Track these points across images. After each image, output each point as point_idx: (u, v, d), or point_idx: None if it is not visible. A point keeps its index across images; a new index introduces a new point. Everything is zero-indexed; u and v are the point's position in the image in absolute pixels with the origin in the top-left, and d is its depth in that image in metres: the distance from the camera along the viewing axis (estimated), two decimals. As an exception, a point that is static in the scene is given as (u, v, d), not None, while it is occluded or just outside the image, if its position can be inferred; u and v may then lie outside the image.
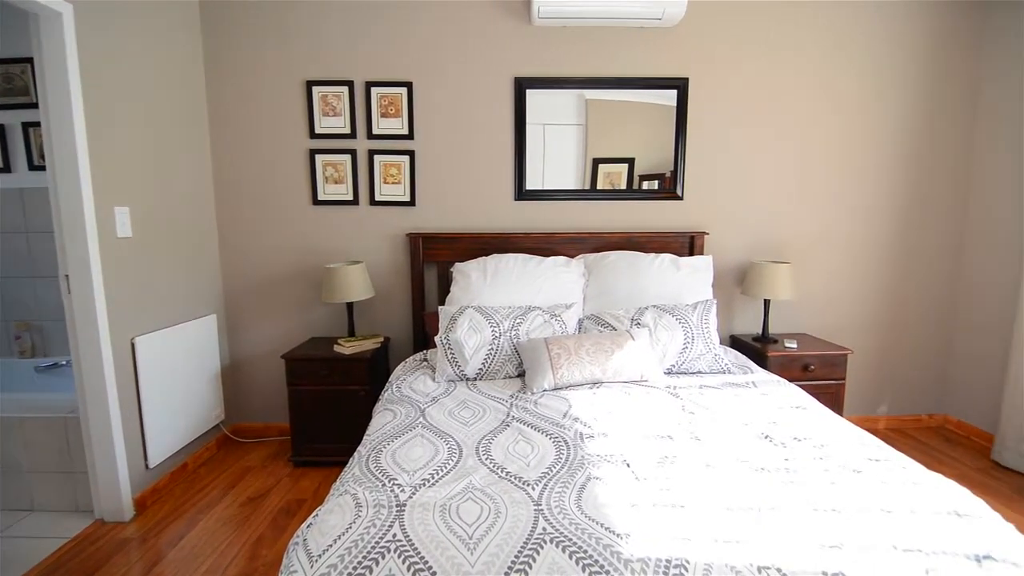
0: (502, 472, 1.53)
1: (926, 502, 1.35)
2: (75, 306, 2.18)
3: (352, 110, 2.92)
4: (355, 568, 1.13)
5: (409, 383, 2.32)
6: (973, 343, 3.11)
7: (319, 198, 2.99)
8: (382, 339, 2.91)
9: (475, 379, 2.38)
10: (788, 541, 1.20)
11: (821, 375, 2.76)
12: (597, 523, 1.26)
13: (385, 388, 2.36)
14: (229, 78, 2.90)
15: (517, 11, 2.88)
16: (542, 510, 1.32)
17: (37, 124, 2.85)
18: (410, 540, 1.21)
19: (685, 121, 2.98)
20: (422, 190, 3.01)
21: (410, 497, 1.38)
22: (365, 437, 1.83)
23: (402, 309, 3.09)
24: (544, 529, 1.24)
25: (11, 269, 2.99)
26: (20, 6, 1.95)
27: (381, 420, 1.94)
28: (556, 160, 3.00)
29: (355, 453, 1.70)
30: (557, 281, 2.72)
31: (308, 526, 1.30)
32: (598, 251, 2.95)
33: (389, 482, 1.46)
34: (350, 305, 2.91)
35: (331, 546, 1.19)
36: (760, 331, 3.03)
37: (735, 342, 3.08)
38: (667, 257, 2.81)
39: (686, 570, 1.13)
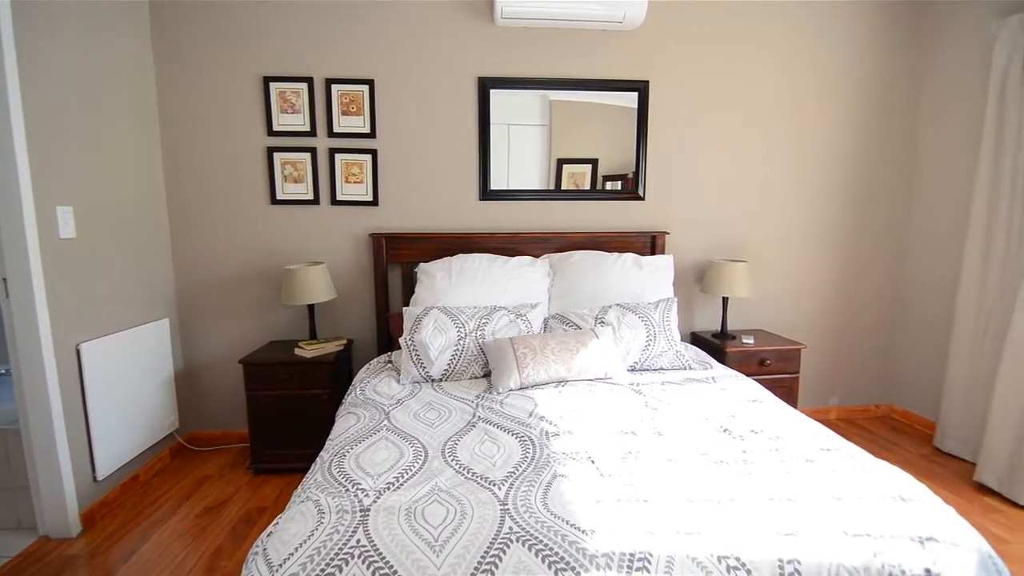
0: (468, 473, 1.52)
1: (874, 488, 1.41)
2: (15, 311, 2.05)
3: (312, 107, 2.85)
4: (318, 576, 1.11)
5: (373, 386, 2.28)
6: (916, 338, 3.28)
7: (278, 197, 2.91)
8: (345, 341, 2.85)
9: (441, 380, 2.37)
10: (746, 530, 1.24)
11: (776, 369, 2.86)
12: (563, 520, 1.27)
13: (348, 391, 2.32)
14: (181, 73, 2.79)
15: (480, 11, 2.87)
16: (508, 509, 1.32)
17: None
18: (374, 545, 1.19)
19: (646, 123, 3.04)
20: (385, 190, 2.97)
21: (374, 501, 1.36)
22: (328, 442, 1.79)
23: (365, 311, 3.05)
24: (510, 528, 1.24)
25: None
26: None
27: (344, 424, 1.91)
28: (521, 160, 3.01)
29: (317, 458, 1.67)
30: (522, 281, 2.73)
31: (268, 535, 1.26)
32: (563, 251, 2.97)
33: (353, 487, 1.44)
34: (311, 307, 2.85)
35: (292, 554, 1.17)
36: (719, 328, 3.12)
37: (695, 339, 3.16)
38: (630, 256, 2.86)
39: (649, 563, 1.15)
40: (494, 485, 1.45)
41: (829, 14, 3.07)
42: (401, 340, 2.41)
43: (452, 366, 2.37)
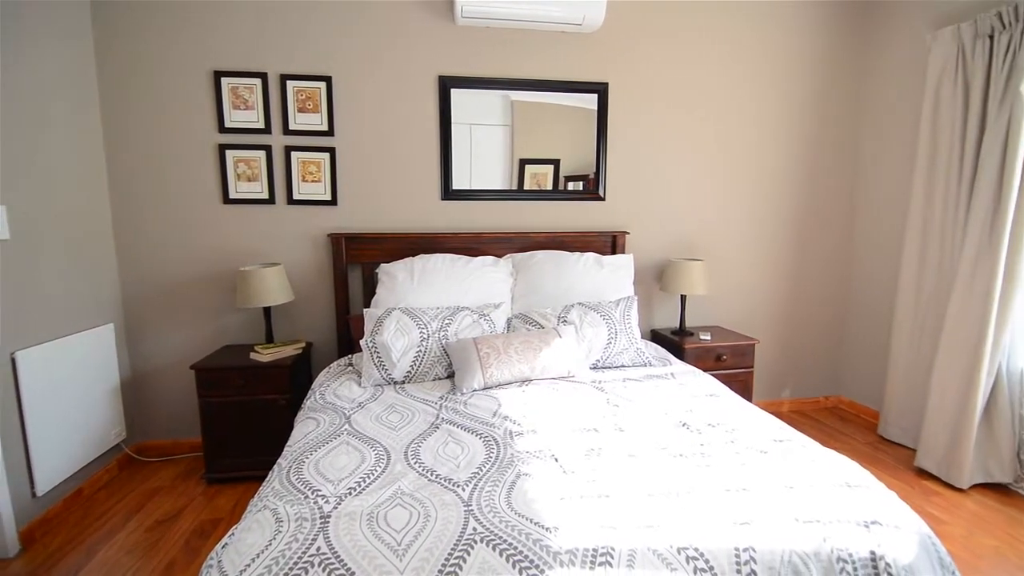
0: (432, 475, 1.51)
1: (823, 477, 1.48)
2: (-62, 319, 1.92)
3: (266, 104, 2.77)
4: (276, 586, 1.08)
5: (333, 389, 2.23)
6: (861, 333, 3.45)
7: (231, 196, 2.81)
8: (303, 345, 2.78)
9: (403, 382, 2.34)
10: (704, 521, 1.28)
11: (732, 364, 2.96)
12: (527, 519, 1.28)
13: (307, 396, 2.26)
14: (125, 66, 2.66)
15: (440, 10, 2.85)
16: (472, 510, 1.32)
17: None
18: (335, 552, 1.16)
19: (606, 125, 3.08)
20: (344, 189, 2.91)
21: (335, 508, 1.34)
22: (286, 448, 1.74)
23: (325, 313, 2.98)
24: (475, 529, 1.24)
25: None
26: None
27: (303, 429, 1.86)
28: (483, 160, 3.01)
29: (275, 466, 1.62)
30: (485, 281, 2.72)
31: (223, 546, 1.22)
32: (525, 251, 2.99)
33: (312, 494, 1.40)
34: (267, 310, 2.76)
35: (249, 565, 1.13)
36: (678, 325, 3.19)
37: (655, 336, 3.22)
38: (591, 256, 2.90)
39: (612, 557, 1.17)
40: (458, 486, 1.44)
41: (782, 14, 3.19)
42: (362, 342, 2.37)
43: (415, 368, 2.34)
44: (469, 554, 1.16)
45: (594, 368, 2.51)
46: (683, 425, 1.85)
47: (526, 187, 3.08)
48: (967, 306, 2.54)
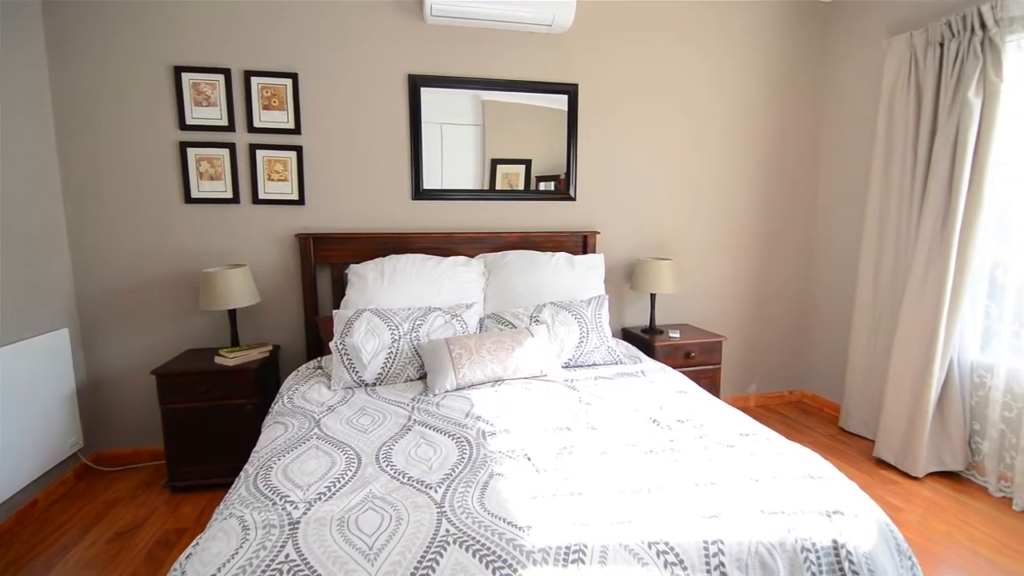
0: (404, 478, 1.50)
1: (787, 469, 1.52)
2: None
3: (230, 100, 2.69)
4: (243, 596, 1.05)
5: (302, 393, 2.19)
6: (823, 330, 3.56)
7: (193, 196, 2.72)
8: (270, 348, 2.72)
9: (374, 384, 2.31)
10: (674, 516, 1.30)
11: (701, 361, 3.02)
12: (500, 519, 1.28)
13: (275, 400, 2.21)
14: (78, 61, 2.55)
15: (410, 8, 2.83)
16: (445, 512, 1.31)
17: None
18: (305, 559, 1.14)
19: (576, 125, 3.11)
20: (312, 188, 2.85)
21: (304, 513, 1.31)
22: (253, 454, 1.70)
23: (293, 315, 2.92)
24: (447, 531, 1.23)
25: None
26: None
27: (271, 434, 1.82)
28: (455, 160, 2.99)
29: (241, 472, 1.58)
30: (457, 281, 2.71)
31: (187, 557, 1.18)
32: (497, 251, 2.98)
33: (281, 500, 1.37)
34: (233, 312, 2.69)
35: (215, 575, 1.10)
36: (648, 323, 3.24)
37: (626, 334, 3.27)
38: (562, 256, 2.92)
39: (584, 554, 1.18)
40: (430, 488, 1.43)
41: (746, 16, 3.26)
42: (332, 344, 2.33)
43: (386, 369, 2.31)
44: (442, 556, 1.15)
45: (566, 367, 2.53)
46: (653, 422, 1.88)
47: (498, 187, 3.07)
48: (920, 303, 2.65)
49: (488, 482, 1.45)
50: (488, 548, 1.17)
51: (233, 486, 1.50)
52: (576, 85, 3.07)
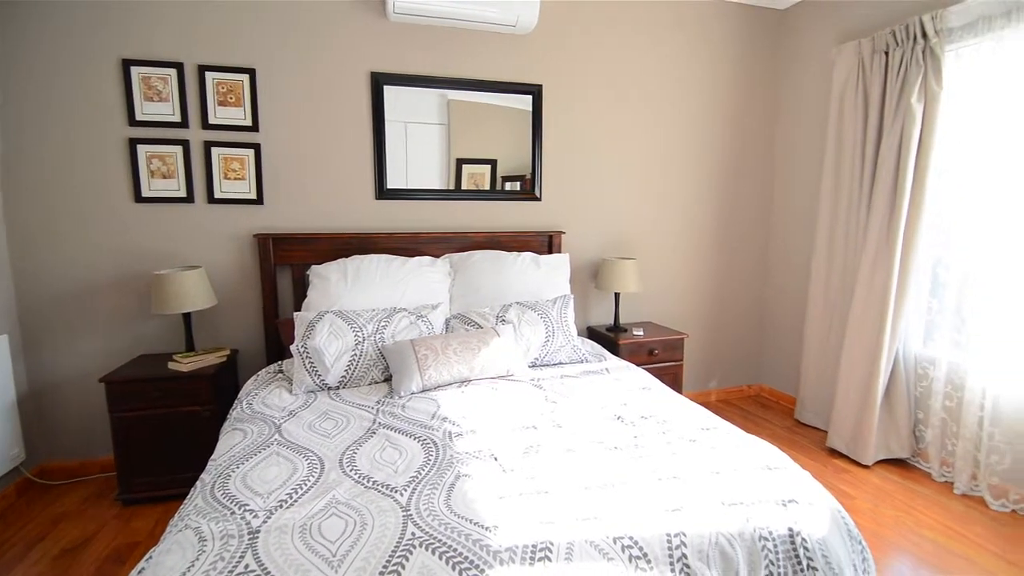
0: (368, 482, 1.47)
1: (746, 461, 1.57)
2: None
3: (183, 96, 2.59)
4: (199, 610, 1.01)
5: (262, 398, 2.13)
6: (779, 326, 3.69)
7: (144, 195, 2.61)
8: (228, 352, 2.63)
9: (338, 388, 2.26)
10: (638, 511, 1.32)
11: (664, 358, 3.08)
12: (466, 520, 1.27)
13: (233, 406, 2.14)
14: (18, 52, 2.40)
15: (372, 5, 2.78)
16: (411, 515, 1.30)
17: None
18: (265, 569, 1.11)
19: (541, 126, 3.12)
20: (271, 187, 2.78)
21: (264, 522, 1.27)
22: (210, 463, 1.64)
23: (252, 318, 2.83)
24: (413, 534, 1.22)
25: None
26: None
27: (229, 441, 1.76)
28: (420, 159, 2.96)
29: (198, 481, 1.53)
30: (423, 281, 2.69)
31: (140, 571, 1.14)
32: (463, 250, 2.97)
33: (240, 509, 1.33)
34: (187, 316, 2.59)
35: (168, 590, 1.06)
36: (612, 322, 3.29)
37: (591, 333, 3.30)
38: (528, 256, 2.93)
39: (551, 551, 1.19)
40: (396, 492, 1.41)
41: (704, 18, 3.34)
42: (293, 348, 2.27)
43: (350, 372, 2.27)
44: (408, 560, 1.14)
45: (532, 366, 2.54)
46: (618, 418, 1.90)
47: (464, 187, 3.06)
48: (868, 299, 2.77)
49: (454, 483, 1.45)
50: (454, 550, 1.17)
51: (189, 496, 1.45)
52: (540, 86, 3.09)
